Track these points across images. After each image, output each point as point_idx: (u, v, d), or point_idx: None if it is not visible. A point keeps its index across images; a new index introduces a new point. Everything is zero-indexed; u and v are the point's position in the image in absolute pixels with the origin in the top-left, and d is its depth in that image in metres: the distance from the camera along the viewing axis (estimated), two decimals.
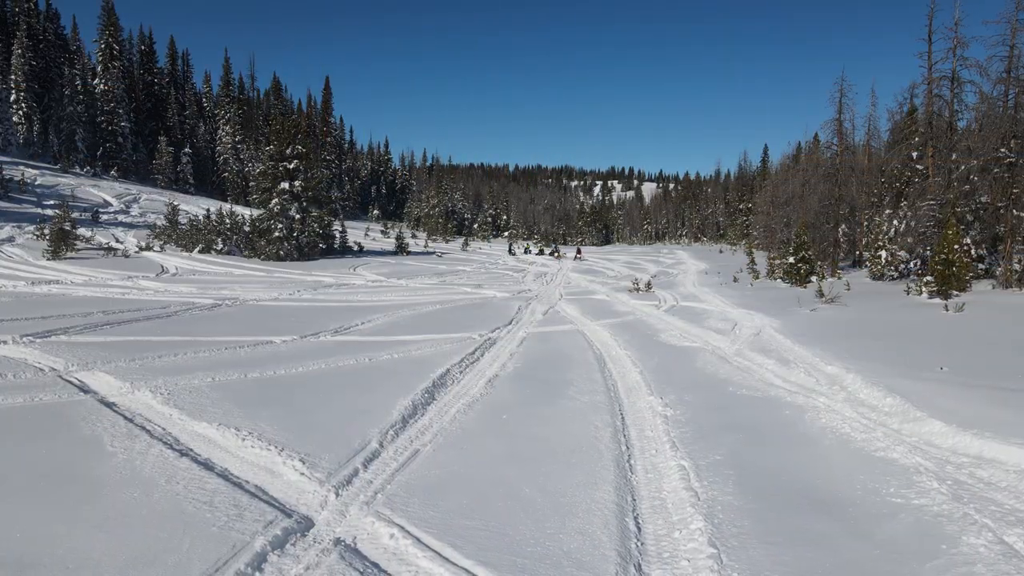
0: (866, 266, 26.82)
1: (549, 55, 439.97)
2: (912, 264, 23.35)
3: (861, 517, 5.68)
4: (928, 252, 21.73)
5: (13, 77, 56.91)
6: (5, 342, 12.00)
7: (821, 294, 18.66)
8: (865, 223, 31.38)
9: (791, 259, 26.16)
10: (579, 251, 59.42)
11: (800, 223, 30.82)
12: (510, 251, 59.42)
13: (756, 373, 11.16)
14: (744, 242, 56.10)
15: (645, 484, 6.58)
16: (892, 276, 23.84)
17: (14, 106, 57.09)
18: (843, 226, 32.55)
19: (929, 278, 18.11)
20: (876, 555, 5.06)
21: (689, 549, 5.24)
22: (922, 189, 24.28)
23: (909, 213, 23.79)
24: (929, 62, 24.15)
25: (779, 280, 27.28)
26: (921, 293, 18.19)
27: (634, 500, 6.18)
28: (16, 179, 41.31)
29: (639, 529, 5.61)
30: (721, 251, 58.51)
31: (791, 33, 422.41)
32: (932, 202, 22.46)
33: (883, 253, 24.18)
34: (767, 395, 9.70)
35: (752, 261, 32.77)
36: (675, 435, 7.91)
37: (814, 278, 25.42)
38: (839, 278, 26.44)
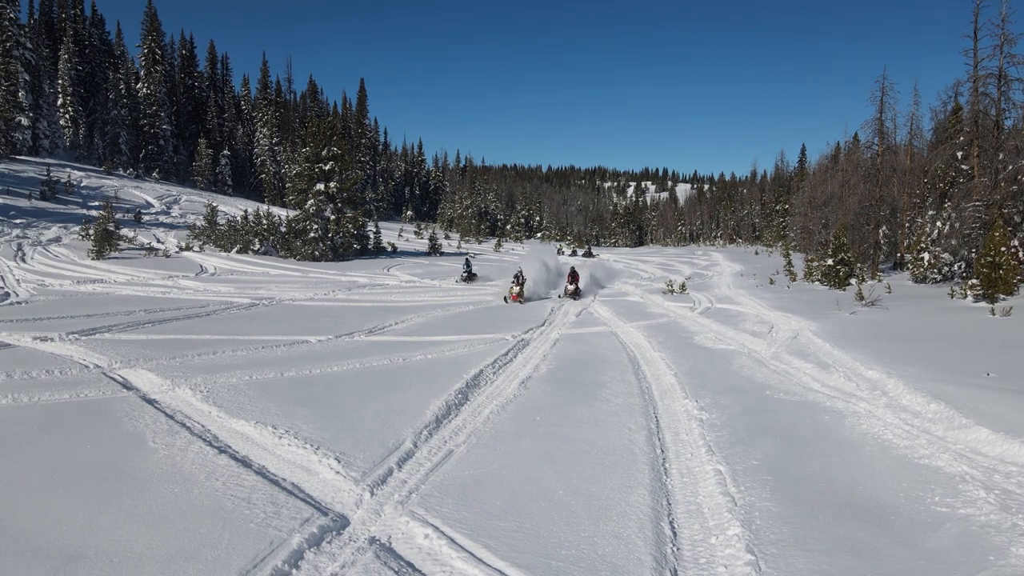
0: (908, 268, 26.20)
1: (583, 55, 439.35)
2: (956, 267, 22.72)
3: (905, 526, 5.54)
4: (973, 254, 21.14)
5: (60, 82, 58.65)
6: (52, 339, 12.36)
7: (861, 297, 18.27)
8: (907, 224, 30.68)
9: (830, 261, 25.66)
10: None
11: (839, 224, 30.22)
12: (559, 251, 60.07)
13: (794, 377, 10.97)
14: (780, 244, 55.20)
15: (680, 488, 6.50)
16: (935, 279, 23.24)
17: (61, 110, 58.84)
18: (884, 227, 31.86)
19: (974, 281, 17.61)
20: (921, 566, 4.92)
21: (726, 555, 5.16)
22: (967, 190, 23.61)
23: (953, 214, 23.17)
24: (975, 59, 23.49)
25: (817, 282, 26.79)
26: (966, 296, 17.70)
27: (669, 504, 6.11)
28: (63, 181, 42.51)
29: (675, 534, 5.54)
30: (757, 253, 57.64)
31: (830, 31, 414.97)
32: (978, 203, 21.84)
33: (926, 255, 23.60)
34: (805, 399, 9.53)
35: (789, 263, 32.24)
36: (711, 439, 7.81)
37: (853, 280, 24.90)
38: (880, 281, 25.88)
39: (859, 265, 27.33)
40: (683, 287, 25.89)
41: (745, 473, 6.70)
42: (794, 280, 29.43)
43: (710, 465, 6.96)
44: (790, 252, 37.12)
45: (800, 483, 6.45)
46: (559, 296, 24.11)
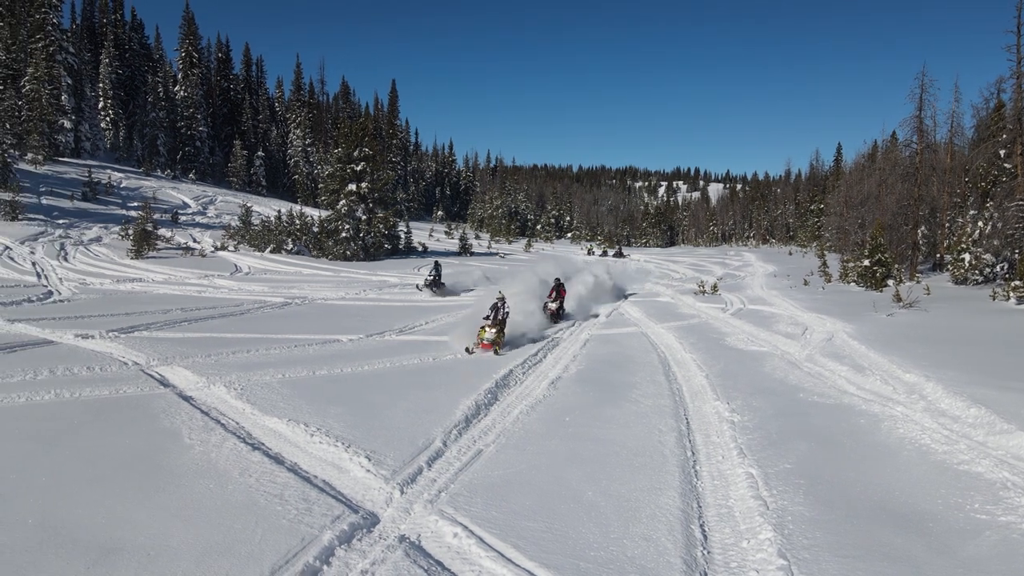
0: (948, 270, 25.56)
1: (615, 55, 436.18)
2: (999, 268, 22.11)
3: (943, 533, 5.41)
4: (1016, 255, 20.55)
5: (101, 85, 60.17)
6: (93, 337, 12.68)
7: (899, 298, 17.87)
8: (947, 224, 29.93)
9: (866, 262, 25.15)
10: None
11: (876, 224, 29.58)
12: (589, 252, 60.31)
13: (828, 379, 10.78)
14: (815, 244, 54.30)
15: (711, 491, 6.44)
16: (976, 280, 22.64)
17: (102, 113, 60.35)
18: (923, 228, 31.10)
19: (1018, 282, 17.13)
20: (959, 574, 4.81)
21: (758, 560, 5.09)
22: (1010, 189, 22.95)
23: (996, 214, 22.55)
24: (1018, 55, 22.82)
25: (853, 283, 26.28)
26: (1008, 299, 17.22)
27: (700, 507, 6.06)
28: (103, 182, 43.56)
29: (705, 537, 5.49)
30: (791, 253, 56.75)
31: (867, 28, 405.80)
32: (1021, 202, 21.23)
33: (967, 256, 23.00)
34: (840, 403, 9.36)
35: (824, 264, 31.69)
36: (742, 441, 7.72)
37: (891, 282, 24.37)
38: (918, 282, 25.31)
39: (896, 266, 26.74)
40: (715, 288, 25.61)
41: (778, 477, 6.61)
42: (829, 281, 28.91)
43: (742, 468, 6.88)
44: (825, 253, 36.44)
45: (834, 488, 6.34)
46: (546, 313, 17.64)
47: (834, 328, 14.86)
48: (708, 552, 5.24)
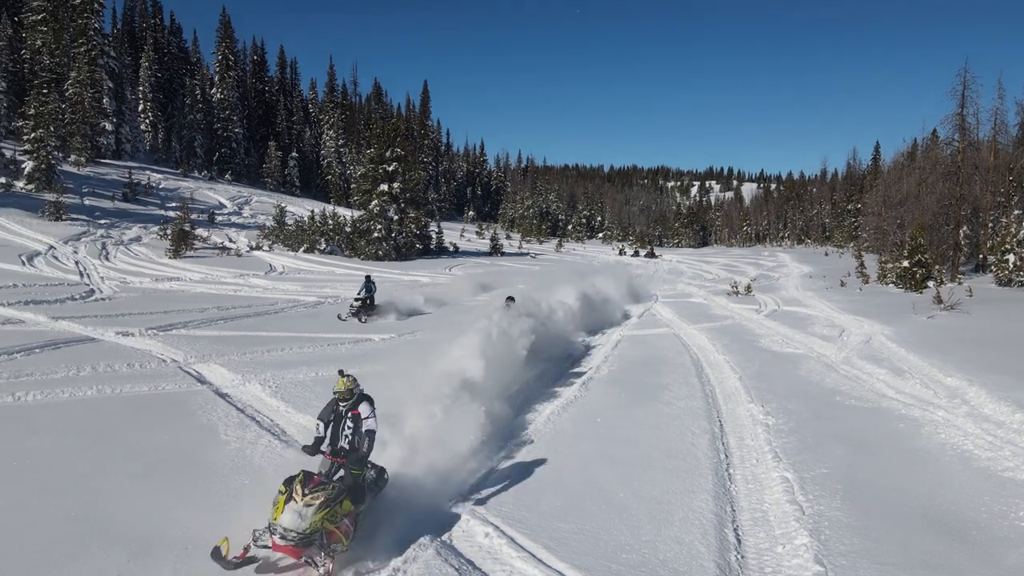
0: (991, 271, 24.87)
1: (645, 54, 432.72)
2: None
3: (987, 542, 5.26)
4: None
5: (141, 88, 61.50)
6: (133, 334, 12.97)
7: (939, 300, 17.42)
8: (990, 224, 29.13)
9: (905, 262, 24.57)
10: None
11: (915, 224, 28.92)
12: (620, 252, 59.95)
13: (866, 383, 10.55)
14: (852, 245, 53.22)
15: (745, 495, 6.35)
16: (1021, 282, 21.99)
17: (142, 115, 61.70)
18: (964, 228, 30.29)
19: None
20: None
21: (793, 566, 5.01)
22: None
23: None
24: None
25: (891, 285, 25.70)
26: None
27: (734, 511, 5.97)
28: (143, 183, 44.49)
29: (739, 541, 5.41)
30: (827, 254, 55.66)
31: (906, 22, 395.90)
32: None
33: (1011, 257, 22.35)
34: (878, 406, 9.16)
35: (861, 264, 31.03)
36: (777, 445, 7.59)
37: (931, 283, 23.77)
38: (960, 283, 24.65)
39: (937, 267, 26.08)
40: (748, 288, 25.25)
41: (814, 481, 6.49)
42: (866, 282, 28.30)
43: (776, 472, 6.77)
44: (862, 253, 35.71)
45: (873, 493, 6.20)
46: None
47: (872, 330, 14.55)
48: (742, 556, 5.17)
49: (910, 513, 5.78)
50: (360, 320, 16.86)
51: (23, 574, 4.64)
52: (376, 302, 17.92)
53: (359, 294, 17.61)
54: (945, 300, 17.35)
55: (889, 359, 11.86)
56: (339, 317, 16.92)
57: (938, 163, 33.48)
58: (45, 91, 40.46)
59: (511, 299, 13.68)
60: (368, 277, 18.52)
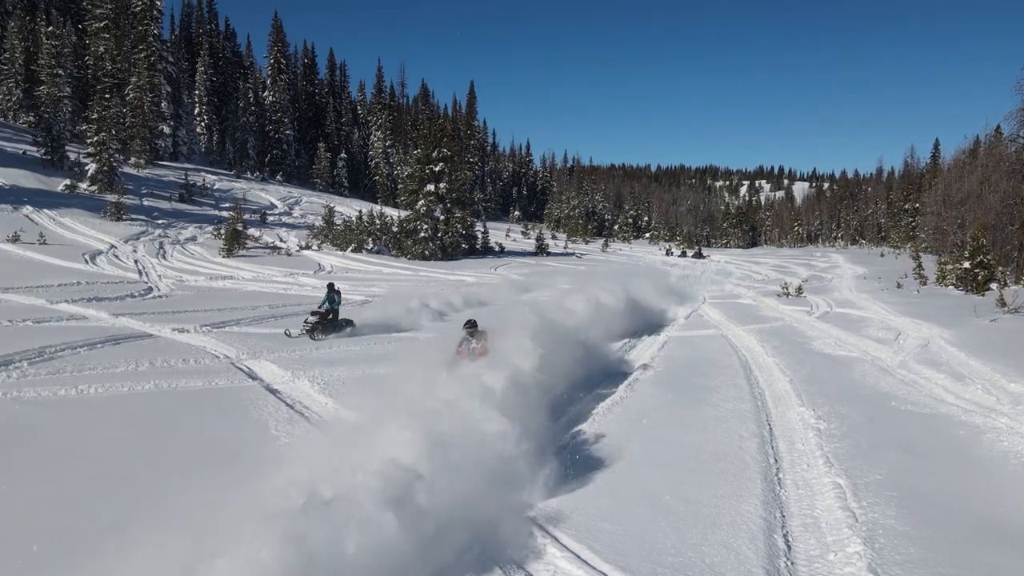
0: None
1: (693, 52, 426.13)
2: None
3: None
4: None
5: (197, 92, 63.45)
6: (188, 331, 13.38)
7: (1003, 303, 16.72)
8: None
9: (966, 264, 23.65)
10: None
11: (977, 224, 27.80)
12: (667, 252, 59.37)
13: (923, 388, 10.20)
14: (909, 245, 51.52)
15: (796, 500, 6.20)
16: None
17: (197, 118, 63.65)
18: None
19: None
20: None
21: (845, 574, 4.87)
22: None
23: None
24: None
25: (951, 287, 24.77)
26: None
27: (783, 516, 5.84)
28: (198, 184, 45.92)
29: (789, 548, 5.29)
30: (882, 255, 54.01)
31: (964, 15, 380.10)
32: None
33: None
34: (937, 412, 8.84)
35: (919, 266, 29.99)
36: (829, 450, 7.39)
37: (994, 285, 22.83)
38: None
39: (1000, 269, 25.04)
40: (799, 290, 24.68)
41: (867, 488, 6.30)
42: (924, 284, 27.36)
43: (828, 477, 6.59)
44: (920, 254, 34.54)
45: (930, 502, 5.99)
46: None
47: (930, 334, 14.06)
48: (792, 563, 5.05)
49: (970, 522, 5.57)
50: (312, 338, 13.68)
51: (81, 558, 4.82)
52: (341, 320, 14.78)
53: (319, 307, 14.52)
54: (1009, 303, 16.64)
55: (948, 363, 11.44)
56: (286, 334, 13.86)
57: (1002, 160, 32.17)
58: (107, 96, 42.08)
59: (471, 324, 10.18)
60: (331, 285, 15.21)
